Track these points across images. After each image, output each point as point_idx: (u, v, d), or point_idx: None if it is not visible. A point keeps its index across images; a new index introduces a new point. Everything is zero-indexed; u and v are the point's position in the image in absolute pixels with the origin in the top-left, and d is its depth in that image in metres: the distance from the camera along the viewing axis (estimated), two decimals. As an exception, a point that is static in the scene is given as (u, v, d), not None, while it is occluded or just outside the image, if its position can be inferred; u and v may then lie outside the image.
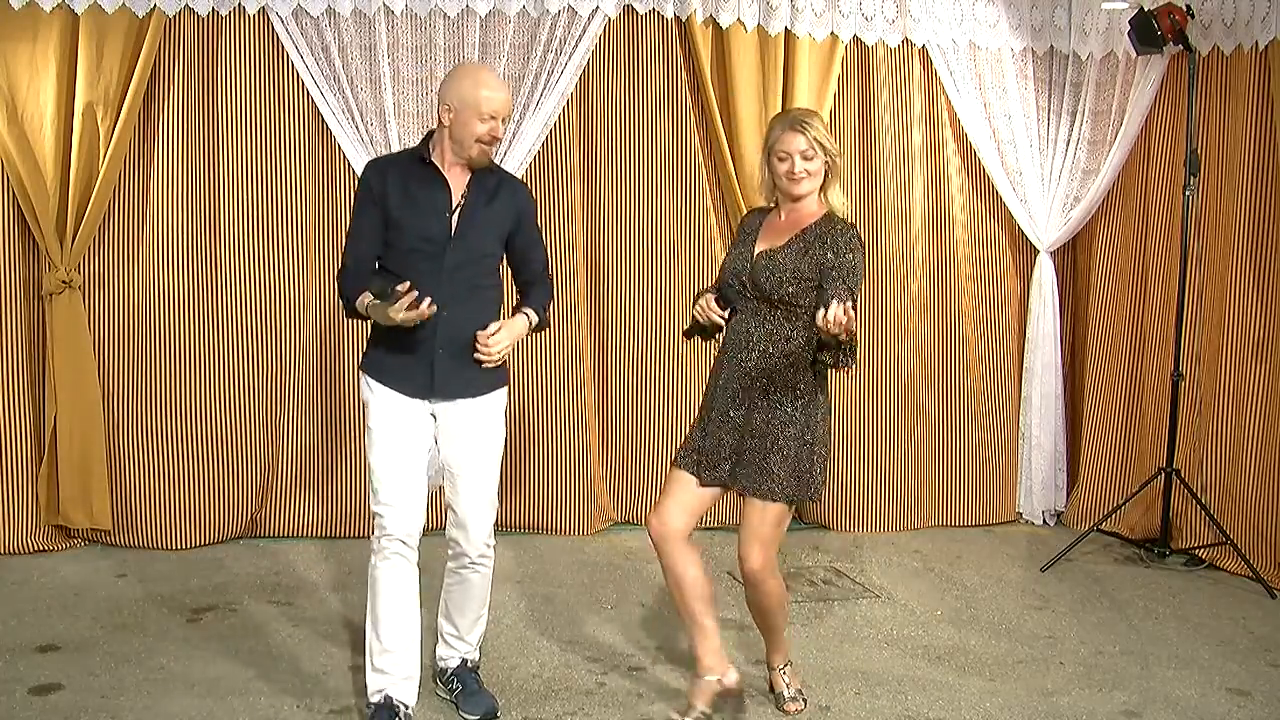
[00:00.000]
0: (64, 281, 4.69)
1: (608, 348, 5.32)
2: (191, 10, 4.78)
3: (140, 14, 4.66)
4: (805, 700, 3.60)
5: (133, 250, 4.88)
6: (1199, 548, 5.02)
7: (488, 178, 3.42)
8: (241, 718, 3.45)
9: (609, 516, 5.38)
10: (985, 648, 4.12)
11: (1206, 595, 4.68)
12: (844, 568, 4.93)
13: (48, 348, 4.76)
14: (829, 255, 3.29)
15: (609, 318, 5.29)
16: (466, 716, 3.48)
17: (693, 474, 3.43)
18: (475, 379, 3.39)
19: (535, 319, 3.51)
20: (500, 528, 5.19)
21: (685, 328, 3.55)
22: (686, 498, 3.43)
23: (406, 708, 3.34)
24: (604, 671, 3.82)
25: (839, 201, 3.41)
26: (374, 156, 3.58)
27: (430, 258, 3.31)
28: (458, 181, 3.38)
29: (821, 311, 3.00)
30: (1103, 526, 5.27)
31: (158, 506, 4.94)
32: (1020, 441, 5.67)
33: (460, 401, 3.39)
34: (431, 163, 3.36)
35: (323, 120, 4.91)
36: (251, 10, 4.82)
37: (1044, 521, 5.66)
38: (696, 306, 3.43)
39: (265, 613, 4.25)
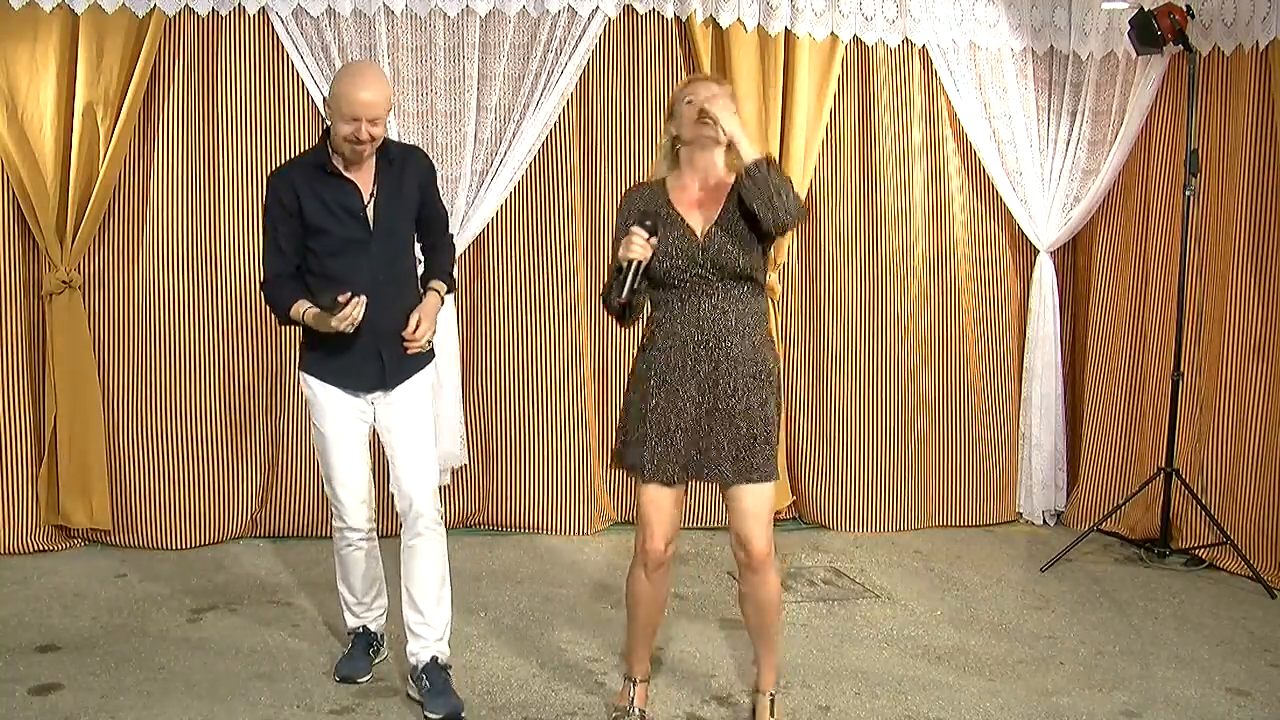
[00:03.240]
0: (64, 281, 4.69)
1: (608, 348, 5.32)
2: (191, 10, 4.78)
3: (140, 14, 4.66)
4: None
5: (133, 250, 4.88)
6: (1199, 548, 5.02)
7: (390, 161, 3.48)
8: (241, 718, 3.46)
9: (609, 516, 5.38)
10: (985, 648, 4.12)
11: (1206, 595, 4.68)
12: (844, 568, 4.93)
13: (48, 348, 4.76)
14: None
15: (609, 318, 5.27)
16: (429, 716, 3.45)
17: (669, 484, 3.26)
18: (413, 361, 3.56)
19: (445, 288, 3.63)
20: (500, 528, 5.23)
21: (616, 296, 3.19)
22: (672, 516, 3.29)
23: (379, 635, 3.82)
24: (604, 671, 3.82)
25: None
26: (277, 168, 3.58)
27: (355, 258, 3.42)
28: (364, 177, 3.45)
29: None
30: (1103, 526, 5.26)
31: (158, 506, 4.94)
32: (1020, 441, 5.67)
33: (401, 387, 3.55)
34: (333, 170, 3.42)
35: (323, 120, 4.89)
36: (251, 10, 4.82)
37: (1044, 521, 5.66)
38: (625, 242, 3.15)
39: (265, 613, 4.25)
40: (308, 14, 4.82)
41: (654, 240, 3.18)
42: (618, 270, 3.19)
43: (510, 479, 5.23)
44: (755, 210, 3.13)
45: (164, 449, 4.95)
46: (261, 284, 3.54)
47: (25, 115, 4.60)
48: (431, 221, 3.65)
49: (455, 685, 3.56)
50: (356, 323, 3.30)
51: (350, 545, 3.67)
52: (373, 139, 3.35)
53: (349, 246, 3.43)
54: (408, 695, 3.58)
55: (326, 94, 3.38)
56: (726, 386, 3.21)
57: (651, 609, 3.40)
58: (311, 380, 3.55)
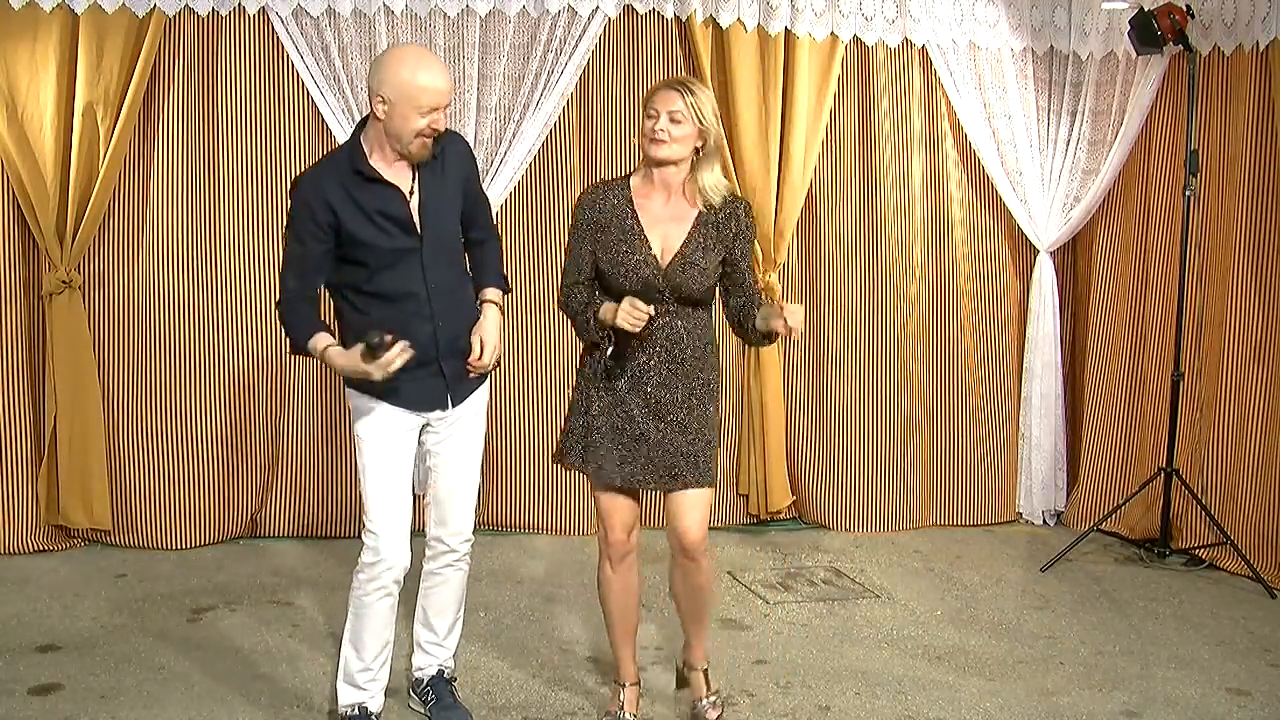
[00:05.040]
0: (64, 281, 4.69)
1: (608, 348, 5.31)
2: (191, 10, 4.79)
3: (140, 14, 4.66)
4: (724, 702, 3.53)
5: (133, 250, 4.88)
6: (1199, 548, 5.02)
7: (434, 154, 3.15)
8: (241, 718, 3.46)
9: (609, 516, 5.37)
10: (985, 648, 4.12)
11: (1206, 595, 4.68)
12: (844, 568, 4.93)
13: (48, 348, 4.76)
14: (738, 241, 3.24)
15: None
16: None
17: (627, 492, 3.32)
18: (474, 377, 3.35)
19: (501, 297, 3.35)
20: (500, 528, 5.24)
21: (608, 357, 3.25)
22: (629, 506, 3.35)
23: (378, 716, 3.35)
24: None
25: (710, 183, 3.20)
26: (304, 172, 3.18)
27: (408, 269, 3.12)
28: (402, 176, 3.12)
29: (785, 320, 3.07)
30: (1103, 526, 5.26)
31: (158, 506, 4.94)
32: (1020, 441, 5.66)
33: (464, 404, 3.33)
34: (372, 174, 3.08)
35: (323, 120, 4.91)
36: (251, 10, 4.82)
37: (1044, 521, 5.65)
38: (624, 313, 3.14)
39: (265, 613, 4.25)
40: (308, 14, 4.82)
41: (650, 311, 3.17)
42: (600, 331, 3.22)
43: (510, 479, 5.23)
44: (746, 329, 3.29)
45: (164, 449, 4.95)
46: (280, 292, 3.15)
47: (25, 115, 4.60)
48: (475, 215, 3.32)
49: (456, 686, 3.56)
50: (392, 369, 2.95)
51: (382, 589, 3.23)
52: (439, 131, 3.06)
53: (399, 258, 3.10)
54: (409, 707, 3.55)
55: (379, 89, 3.00)
56: (673, 398, 3.26)
57: (624, 603, 3.42)
58: (363, 399, 3.18)
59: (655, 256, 3.21)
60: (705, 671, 3.53)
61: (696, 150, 3.20)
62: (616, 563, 3.37)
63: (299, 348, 3.14)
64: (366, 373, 2.96)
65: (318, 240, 3.07)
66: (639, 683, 3.53)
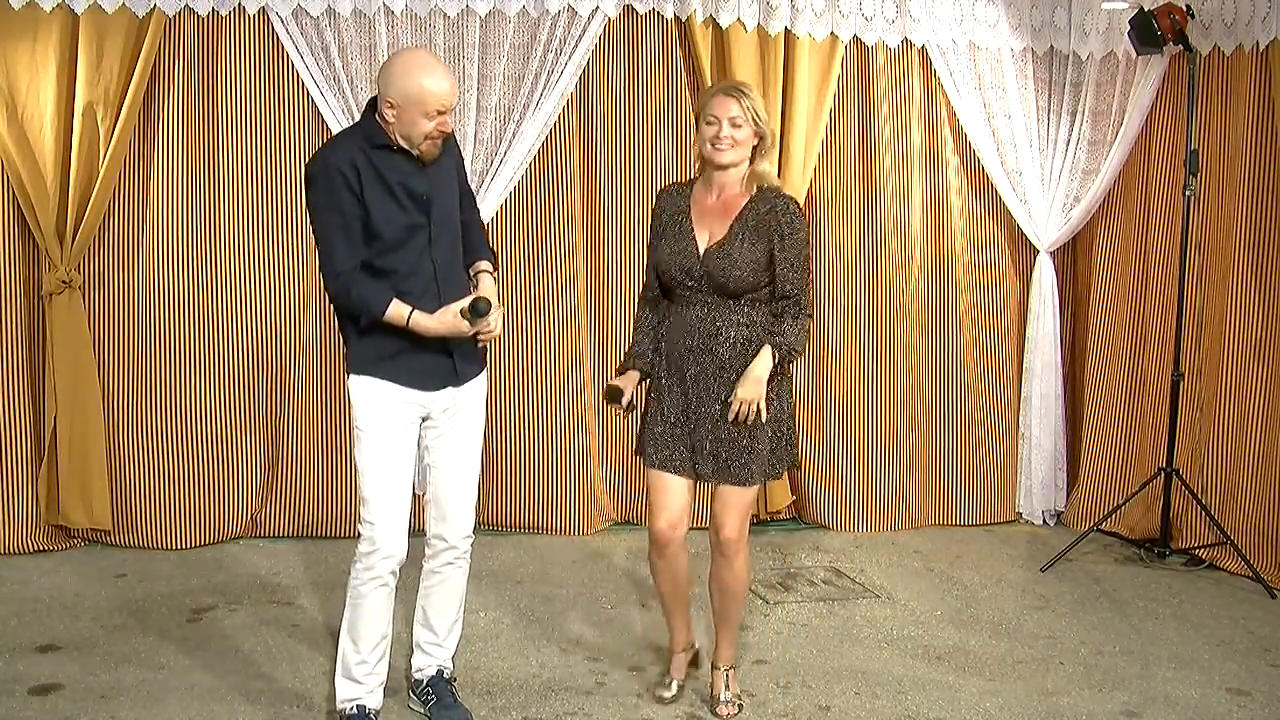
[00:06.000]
0: (64, 281, 4.69)
1: (607, 351, 5.31)
2: (191, 10, 4.79)
3: (140, 14, 4.66)
4: (741, 705, 3.56)
5: (133, 250, 4.88)
6: (1199, 548, 5.02)
7: None
8: (241, 718, 3.46)
9: (609, 516, 5.38)
10: (985, 648, 4.12)
11: (1206, 595, 4.68)
12: (844, 568, 4.93)
13: (48, 348, 4.76)
14: (777, 238, 3.28)
15: (608, 322, 5.29)
16: None
17: (681, 474, 3.41)
18: (476, 353, 3.36)
19: (491, 267, 3.39)
20: (500, 528, 5.24)
21: (607, 392, 3.46)
22: (678, 499, 3.42)
23: (377, 713, 3.34)
24: (604, 671, 3.82)
25: (759, 172, 3.33)
26: (323, 149, 3.20)
27: (417, 248, 3.15)
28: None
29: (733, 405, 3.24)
30: (1103, 526, 5.26)
31: (158, 506, 4.95)
32: (1020, 441, 5.66)
33: (466, 385, 3.33)
34: (400, 148, 3.11)
35: (323, 120, 4.91)
36: (251, 10, 4.82)
37: (1044, 521, 5.65)
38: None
39: (265, 613, 4.25)
40: (308, 14, 4.82)
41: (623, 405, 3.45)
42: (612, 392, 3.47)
43: (509, 479, 5.23)
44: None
45: (164, 449, 4.95)
46: (333, 278, 3.11)
47: (25, 115, 4.61)
48: (465, 197, 3.37)
49: (456, 687, 3.56)
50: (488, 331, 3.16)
51: (378, 580, 3.24)
52: (447, 132, 3.14)
53: (410, 234, 3.12)
54: (409, 707, 3.55)
55: (387, 93, 3.05)
56: (709, 391, 3.36)
57: (673, 582, 3.53)
58: (372, 382, 3.19)
59: (696, 246, 3.33)
60: (726, 671, 3.59)
61: (753, 149, 3.34)
62: (660, 550, 3.45)
63: (375, 317, 3.11)
64: (461, 331, 3.12)
65: (354, 205, 3.08)
66: (690, 649, 3.64)
